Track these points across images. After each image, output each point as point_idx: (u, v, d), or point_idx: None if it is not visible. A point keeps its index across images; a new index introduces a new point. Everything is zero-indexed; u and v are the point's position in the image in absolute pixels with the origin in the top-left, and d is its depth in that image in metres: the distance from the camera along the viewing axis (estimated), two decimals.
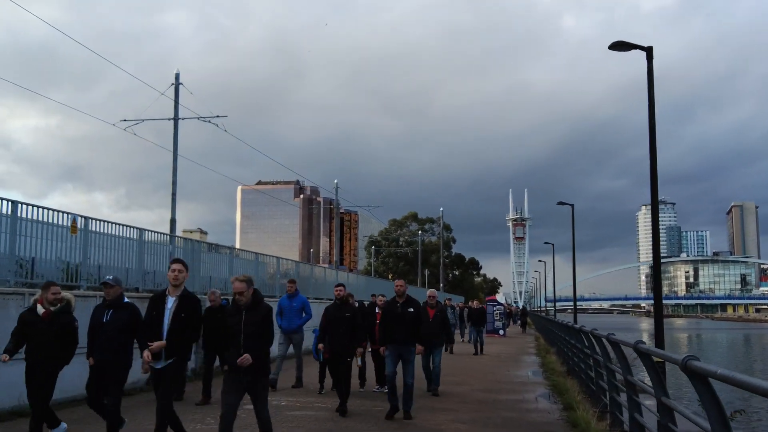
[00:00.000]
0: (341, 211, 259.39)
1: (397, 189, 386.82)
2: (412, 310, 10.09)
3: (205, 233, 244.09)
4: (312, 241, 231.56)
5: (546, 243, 66.43)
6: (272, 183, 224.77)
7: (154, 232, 15.67)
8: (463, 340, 29.01)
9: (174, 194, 21.79)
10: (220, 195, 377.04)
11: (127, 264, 14.05)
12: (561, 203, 38.80)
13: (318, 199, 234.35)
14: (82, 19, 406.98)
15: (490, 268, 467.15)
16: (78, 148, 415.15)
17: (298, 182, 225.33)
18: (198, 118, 23.39)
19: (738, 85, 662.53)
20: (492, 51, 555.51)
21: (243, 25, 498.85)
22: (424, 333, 10.47)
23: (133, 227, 14.19)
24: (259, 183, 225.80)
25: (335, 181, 44.55)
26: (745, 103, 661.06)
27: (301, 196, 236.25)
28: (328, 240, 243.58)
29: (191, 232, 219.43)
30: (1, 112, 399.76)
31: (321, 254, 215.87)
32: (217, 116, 23.77)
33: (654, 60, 15.35)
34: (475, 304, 27.02)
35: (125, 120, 23.66)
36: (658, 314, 11.50)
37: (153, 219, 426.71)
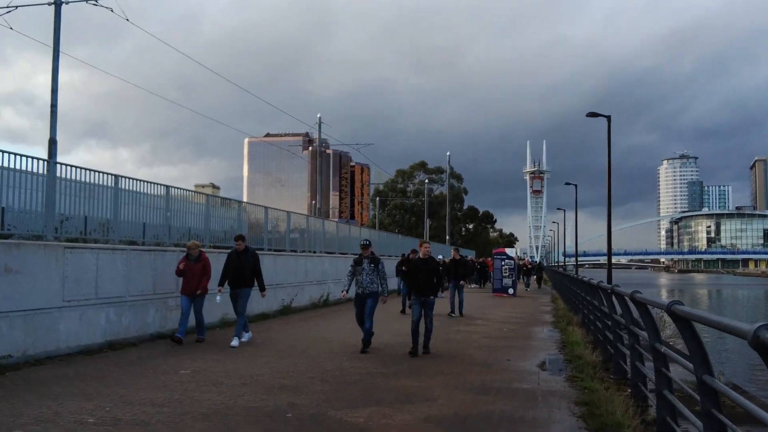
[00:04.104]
0: (352, 164, 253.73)
1: (422, 145, 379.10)
2: None
3: (218, 188, 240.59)
4: (321, 195, 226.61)
5: (567, 183, 59.90)
6: (280, 135, 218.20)
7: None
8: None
9: (54, 105, 15.89)
10: (241, 151, 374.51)
11: None
12: (593, 114, 30.42)
13: (327, 151, 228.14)
14: None
15: (511, 225, 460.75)
16: (102, 104, 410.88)
17: (307, 134, 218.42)
18: (85, 1, 17.41)
19: None
20: (528, 4, 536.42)
21: None
22: None
23: None
24: (268, 135, 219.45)
25: (318, 116, 38.56)
26: None
27: (310, 148, 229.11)
28: (338, 194, 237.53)
29: (203, 186, 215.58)
30: (25, 67, 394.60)
31: (330, 208, 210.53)
32: None
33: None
34: (423, 249, 12.45)
35: None
36: None
37: (175, 174, 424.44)
